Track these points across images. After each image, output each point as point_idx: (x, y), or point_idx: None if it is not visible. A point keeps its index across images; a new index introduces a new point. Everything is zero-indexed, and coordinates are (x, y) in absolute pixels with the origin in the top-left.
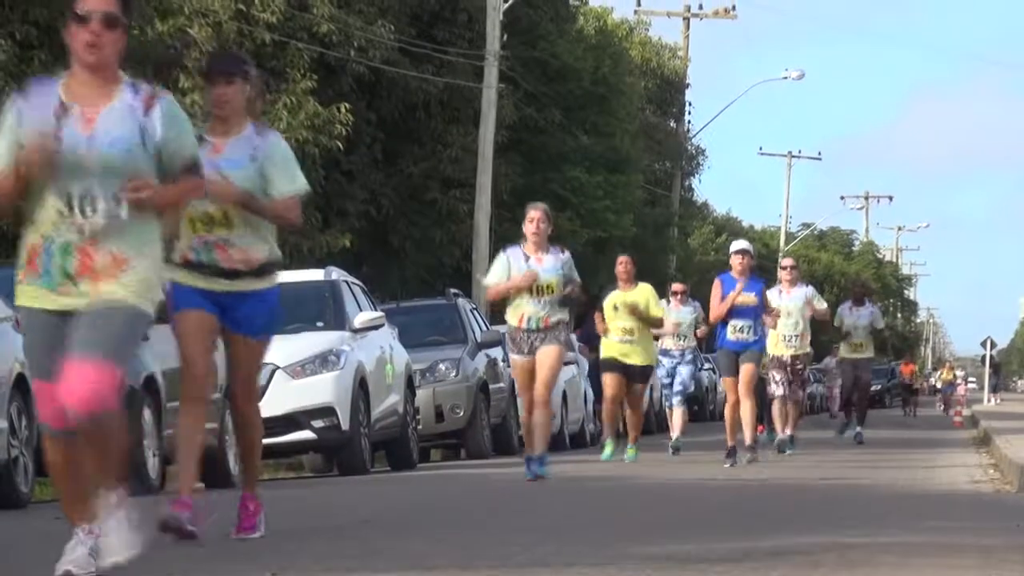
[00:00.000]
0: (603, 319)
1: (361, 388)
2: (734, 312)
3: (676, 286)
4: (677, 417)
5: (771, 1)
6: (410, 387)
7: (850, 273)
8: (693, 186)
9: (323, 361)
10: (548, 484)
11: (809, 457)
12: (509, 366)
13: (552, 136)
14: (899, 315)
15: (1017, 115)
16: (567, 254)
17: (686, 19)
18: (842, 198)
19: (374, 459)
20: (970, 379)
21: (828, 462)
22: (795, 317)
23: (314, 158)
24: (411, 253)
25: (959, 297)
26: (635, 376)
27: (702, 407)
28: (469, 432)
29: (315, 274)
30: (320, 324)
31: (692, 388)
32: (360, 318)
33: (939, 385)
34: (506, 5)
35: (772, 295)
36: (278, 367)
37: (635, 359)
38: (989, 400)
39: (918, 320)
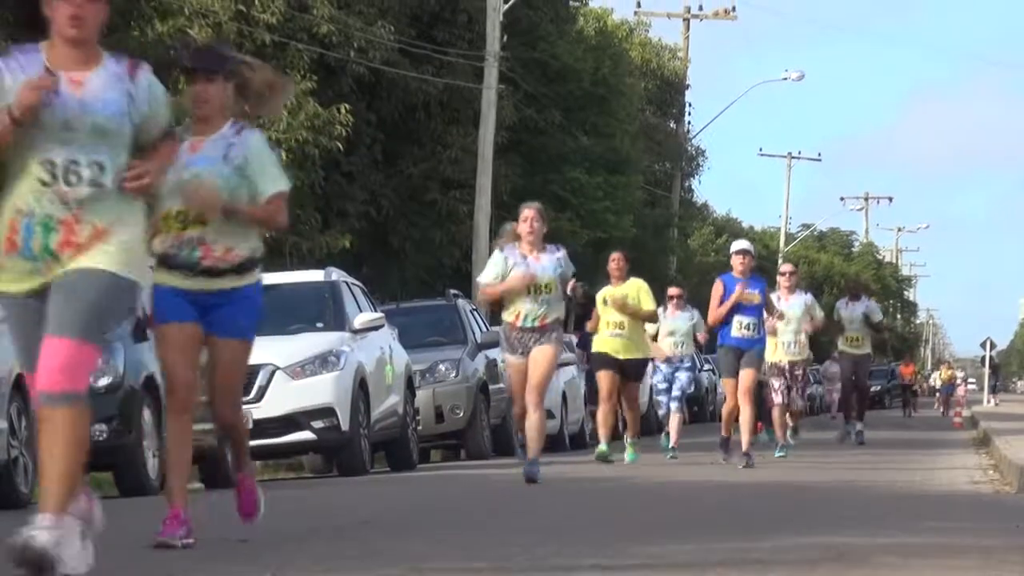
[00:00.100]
0: (597, 316)
1: (361, 389)
2: (739, 309)
3: (673, 290)
4: (675, 424)
5: (771, 2)
6: (410, 388)
7: (850, 274)
8: (693, 187)
9: (323, 362)
10: (548, 485)
11: (808, 458)
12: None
13: (552, 137)
14: (899, 316)
15: (1017, 115)
16: (562, 251)
17: (686, 20)
18: (842, 199)
19: (374, 460)
20: (970, 380)
21: (827, 463)
22: (794, 324)
23: (314, 159)
24: (411, 254)
25: (959, 298)
26: (629, 373)
27: (702, 408)
28: (469, 433)
29: (315, 275)
30: (320, 325)
31: (691, 389)
32: (360, 319)
33: (937, 385)
34: (506, 6)
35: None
36: (278, 368)
37: (628, 354)
38: (988, 401)
39: (918, 321)
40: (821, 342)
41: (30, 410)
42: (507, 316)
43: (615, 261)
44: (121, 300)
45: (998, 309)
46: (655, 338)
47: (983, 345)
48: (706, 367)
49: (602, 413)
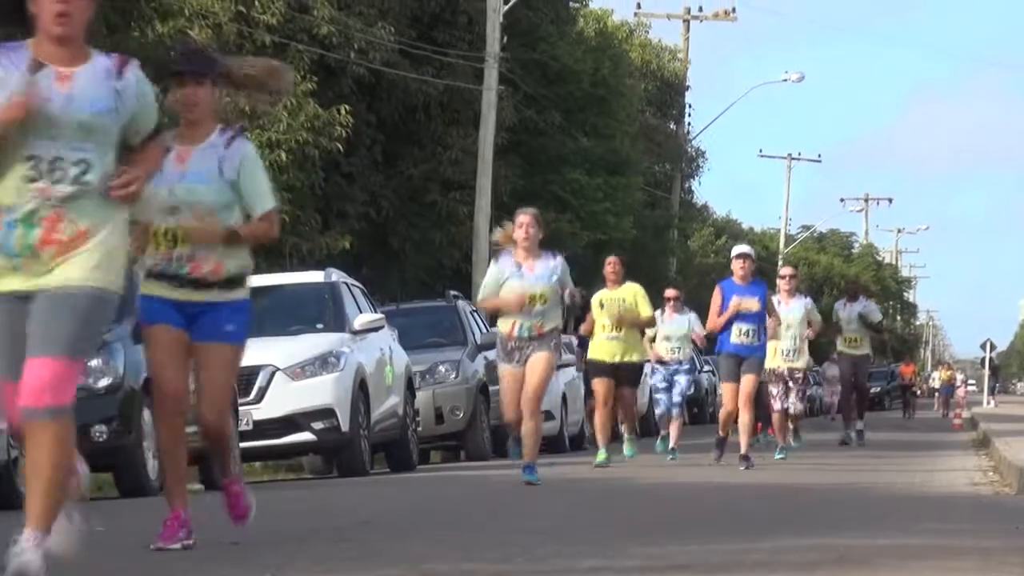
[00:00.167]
0: (591, 320)
1: (361, 390)
2: (737, 316)
3: (670, 292)
4: (675, 429)
5: (771, 3)
6: (410, 389)
7: (849, 276)
8: (693, 188)
9: (323, 363)
10: (548, 486)
11: (808, 460)
12: None
13: (552, 138)
14: (899, 317)
15: (1017, 115)
16: (559, 258)
17: (686, 21)
18: (842, 200)
19: (374, 461)
20: (969, 382)
21: (827, 464)
22: (794, 329)
23: (314, 160)
24: (411, 255)
25: (959, 299)
26: (624, 378)
27: (702, 409)
28: (469, 434)
29: (315, 276)
30: (320, 326)
31: (691, 391)
32: (360, 320)
33: (937, 386)
34: (506, 7)
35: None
36: (278, 369)
37: (623, 357)
38: (988, 402)
39: (918, 322)
40: (820, 343)
41: None
42: (503, 327)
43: (611, 265)
44: (105, 314)
45: (998, 310)
46: (653, 340)
47: (983, 346)
48: (706, 368)
49: (599, 419)
